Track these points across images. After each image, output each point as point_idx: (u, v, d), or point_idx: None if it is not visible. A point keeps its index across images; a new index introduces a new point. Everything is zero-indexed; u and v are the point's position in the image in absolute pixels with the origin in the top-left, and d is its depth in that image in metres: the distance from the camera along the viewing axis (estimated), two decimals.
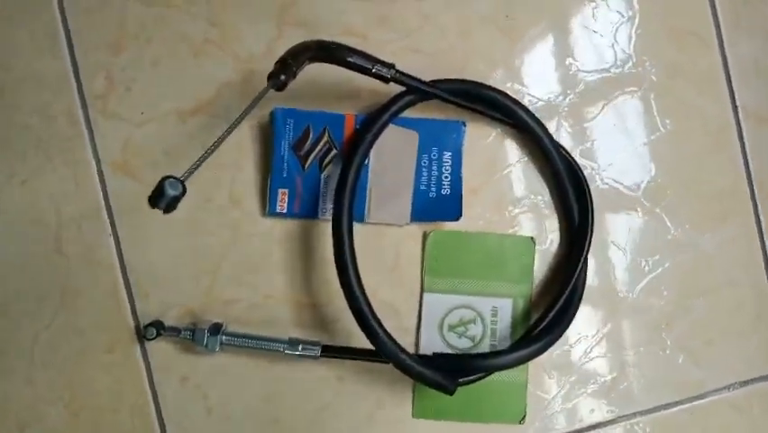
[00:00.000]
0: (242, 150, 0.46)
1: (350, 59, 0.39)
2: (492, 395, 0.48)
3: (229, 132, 0.33)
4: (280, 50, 0.38)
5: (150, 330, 0.44)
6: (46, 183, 0.45)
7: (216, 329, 0.44)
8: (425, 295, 0.48)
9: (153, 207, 0.28)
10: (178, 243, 0.46)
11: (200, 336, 0.44)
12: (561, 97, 0.48)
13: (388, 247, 0.47)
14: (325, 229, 0.45)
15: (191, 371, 0.46)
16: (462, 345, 0.48)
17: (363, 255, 0.43)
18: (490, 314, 0.48)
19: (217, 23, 0.46)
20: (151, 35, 0.45)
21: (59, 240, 0.45)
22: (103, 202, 0.45)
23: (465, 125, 0.47)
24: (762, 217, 0.50)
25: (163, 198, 0.28)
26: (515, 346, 0.45)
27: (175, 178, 0.28)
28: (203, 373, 0.46)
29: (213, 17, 0.46)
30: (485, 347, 0.48)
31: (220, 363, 0.46)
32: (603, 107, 0.49)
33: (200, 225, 0.46)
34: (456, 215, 0.47)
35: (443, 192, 0.47)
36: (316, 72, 0.44)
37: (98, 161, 0.45)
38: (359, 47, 0.40)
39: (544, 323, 0.46)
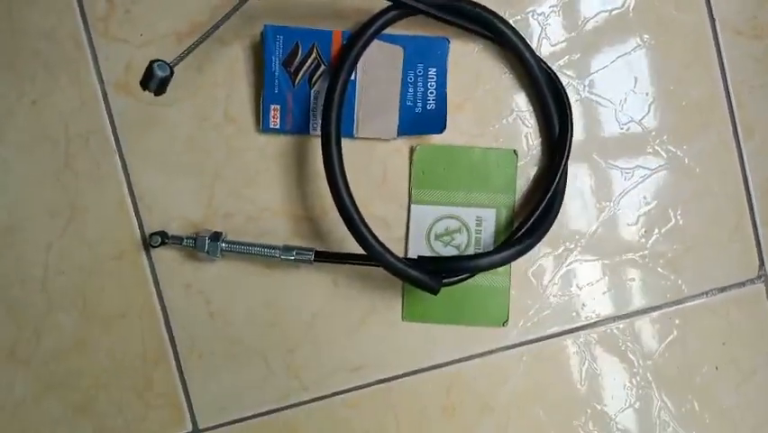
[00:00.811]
0: (236, 70, 0.49)
1: None
2: (476, 299, 0.51)
3: (217, 26, 0.36)
4: None
5: (155, 238, 0.48)
6: (54, 103, 0.48)
7: (217, 237, 0.48)
8: (413, 207, 0.51)
9: (144, 89, 0.31)
10: (179, 159, 0.49)
11: (201, 243, 0.48)
12: (542, 13, 0.51)
13: (377, 162, 0.50)
14: (317, 144, 0.48)
15: (194, 278, 0.50)
16: (449, 253, 0.51)
17: (353, 170, 0.46)
18: (475, 223, 0.51)
19: None
20: None
21: (67, 156, 0.49)
22: (108, 120, 0.49)
23: (449, 42, 0.49)
24: (739, 129, 0.52)
25: (152, 79, 0.31)
26: (496, 250, 0.48)
27: (163, 61, 0.31)
28: (205, 280, 0.50)
29: None
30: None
31: (221, 271, 0.50)
32: (583, 23, 0.51)
33: (198, 143, 0.50)
34: (441, 128, 0.49)
35: (429, 107, 0.49)
36: None
37: (102, 82, 0.49)
38: None
39: (525, 228, 0.48)
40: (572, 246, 0.52)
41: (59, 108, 0.49)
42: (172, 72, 0.32)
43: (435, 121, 0.49)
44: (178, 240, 0.48)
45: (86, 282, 0.50)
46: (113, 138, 0.49)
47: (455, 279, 0.48)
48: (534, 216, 0.49)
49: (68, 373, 0.50)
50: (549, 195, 0.48)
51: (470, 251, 0.51)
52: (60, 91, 0.48)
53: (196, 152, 0.50)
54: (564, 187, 0.50)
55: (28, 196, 0.49)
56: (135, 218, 0.49)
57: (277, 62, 0.48)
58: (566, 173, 0.49)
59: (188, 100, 0.49)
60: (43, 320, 0.50)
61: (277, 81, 0.48)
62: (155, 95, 0.32)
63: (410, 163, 0.51)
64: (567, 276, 0.52)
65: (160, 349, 0.50)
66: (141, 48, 0.49)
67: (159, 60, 0.31)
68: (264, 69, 0.48)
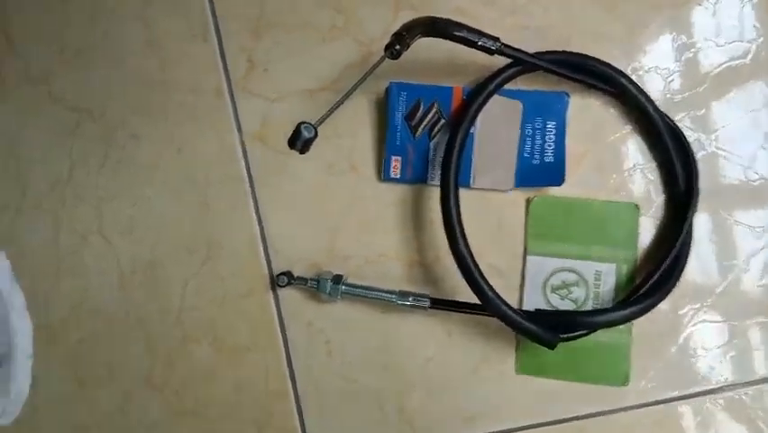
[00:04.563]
0: (360, 122, 0.56)
1: (457, 32, 0.48)
2: (595, 356, 0.54)
3: (353, 90, 0.43)
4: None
5: (281, 278, 0.55)
6: (197, 150, 0.58)
7: (338, 280, 0.54)
8: (529, 257, 0.55)
9: (292, 148, 0.38)
10: (305, 204, 0.57)
11: (324, 284, 0.54)
12: (666, 66, 0.54)
13: (493, 211, 0.55)
14: (434, 193, 0.54)
15: (316, 317, 0.57)
16: (565, 306, 0.54)
17: (468, 218, 0.51)
18: (594, 278, 0.54)
19: (342, 11, 0.57)
20: (286, 22, 0.57)
21: (206, 199, 0.57)
22: (244, 167, 0.57)
23: (569, 96, 0.54)
24: None
25: (299, 139, 0.38)
26: (617, 306, 0.51)
27: (309, 123, 0.38)
28: (325, 320, 0.57)
29: (338, 5, 0.57)
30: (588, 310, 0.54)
31: (340, 312, 0.56)
32: (710, 76, 0.54)
33: (323, 190, 0.57)
34: (560, 181, 0.54)
35: (547, 160, 0.54)
36: (428, 50, 0.53)
37: (240, 132, 0.57)
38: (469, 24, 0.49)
39: (648, 285, 0.51)
40: (698, 306, 0.54)
41: (202, 155, 0.58)
42: (317, 133, 0.39)
43: (554, 173, 0.54)
44: (302, 281, 0.55)
45: (218, 317, 0.58)
46: (248, 183, 0.57)
47: (574, 335, 0.51)
48: (657, 273, 0.51)
49: (196, 402, 0.58)
50: (674, 252, 0.51)
51: (589, 305, 0.54)
52: (203, 140, 0.57)
53: (321, 198, 0.57)
54: (690, 243, 0.52)
55: (169, 234, 0.58)
56: (264, 258, 0.57)
57: (400, 116, 0.55)
58: (692, 229, 0.52)
59: (316, 150, 0.56)
60: (177, 351, 0.58)
61: (399, 134, 0.55)
62: (300, 153, 0.39)
63: (526, 214, 0.55)
64: (693, 336, 0.54)
65: (281, 383, 0.57)
66: (276, 102, 0.57)
67: (305, 123, 0.38)
68: (387, 123, 0.55)
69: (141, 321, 0.58)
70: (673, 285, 0.51)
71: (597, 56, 0.53)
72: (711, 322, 0.54)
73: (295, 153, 0.56)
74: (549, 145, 0.54)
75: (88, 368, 0.59)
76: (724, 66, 0.54)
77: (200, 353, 0.58)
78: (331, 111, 0.41)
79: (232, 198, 0.57)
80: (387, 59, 0.46)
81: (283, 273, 0.55)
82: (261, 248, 0.57)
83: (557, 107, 0.54)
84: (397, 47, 0.45)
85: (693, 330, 0.54)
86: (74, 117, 0.58)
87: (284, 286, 0.55)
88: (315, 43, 0.57)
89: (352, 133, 0.57)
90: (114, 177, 0.58)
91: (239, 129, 0.57)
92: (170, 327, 0.58)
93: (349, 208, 0.57)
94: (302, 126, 0.38)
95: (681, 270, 0.52)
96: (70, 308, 0.59)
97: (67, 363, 0.59)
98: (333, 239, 0.57)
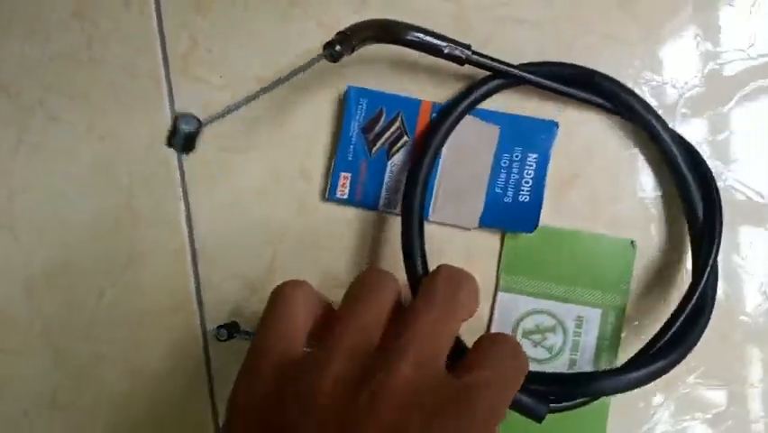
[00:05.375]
0: (318, 122, 0.48)
1: (414, 38, 0.39)
2: (563, 421, 0.45)
3: (259, 94, 0.36)
4: (366, 18, 0.40)
5: (221, 332, 0.46)
6: (123, 140, 0.49)
7: None
8: (500, 294, 0.47)
9: (170, 147, 0.30)
10: (245, 212, 0.49)
11: None
12: (684, 81, 0.46)
13: (459, 242, 0.47)
14: (386, 221, 0.47)
15: (245, 345, 0.49)
16: (538, 354, 0.47)
17: (432, 246, 0.44)
18: (574, 324, 0.47)
19: None
20: None
21: (130, 198, 0.49)
22: (176, 164, 0.49)
23: (558, 127, 0.46)
24: None
25: (177, 134, 0.30)
26: (627, 367, 0.42)
27: (190, 114, 0.30)
28: None
29: None
30: (564, 361, 0.47)
31: None
32: (736, 97, 0.45)
33: (268, 197, 0.49)
34: (531, 227, 0.45)
35: (521, 199, 0.46)
36: (402, 52, 0.45)
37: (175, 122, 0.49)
38: (452, 13, 0.42)
39: (663, 340, 0.42)
40: (704, 361, 0.46)
41: (127, 146, 0.49)
42: (200, 125, 0.31)
43: (526, 217, 0.46)
44: (247, 335, 0.47)
45: (135, 335, 0.50)
46: (180, 183, 0.49)
47: (567, 405, 0.42)
48: (674, 324, 0.42)
49: (104, 428, 0.51)
50: (691, 301, 0.41)
51: (565, 356, 0.47)
52: (131, 128, 0.49)
53: (264, 207, 0.49)
54: (714, 297, 0.43)
55: (86, 236, 0.50)
56: (193, 271, 0.50)
57: (356, 127, 0.46)
58: (715, 280, 0.43)
59: (264, 149, 0.48)
60: (86, 370, 0.51)
61: (352, 147, 0.46)
62: (181, 151, 0.31)
63: (501, 244, 0.47)
64: (693, 396, 0.47)
65: (202, 414, 0.50)
66: (220, 90, 0.48)
67: (185, 114, 0.30)
68: (341, 133, 0.47)
69: (49, 332, 0.51)
70: (697, 339, 0.42)
71: (604, 60, 0.44)
72: (718, 382, 0.46)
73: (238, 151, 0.49)
74: (526, 182, 0.46)
75: None
76: (756, 85, 0.45)
77: (112, 374, 0.50)
78: (227, 111, 0.34)
79: (159, 199, 0.49)
80: (323, 59, 0.38)
81: (224, 326, 0.47)
82: (189, 259, 0.50)
83: (542, 138, 0.45)
84: (338, 48, 0.37)
85: (696, 387, 0.46)
86: None
87: (224, 340, 0.46)
88: (269, 21, 0.48)
89: (307, 134, 0.48)
90: (29, 164, 0.50)
91: (173, 119, 0.49)
92: (79, 343, 0.51)
93: (295, 223, 0.49)
94: (179, 119, 0.30)
95: (705, 323, 0.42)
96: None
97: None
98: (273, 256, 0.49)
